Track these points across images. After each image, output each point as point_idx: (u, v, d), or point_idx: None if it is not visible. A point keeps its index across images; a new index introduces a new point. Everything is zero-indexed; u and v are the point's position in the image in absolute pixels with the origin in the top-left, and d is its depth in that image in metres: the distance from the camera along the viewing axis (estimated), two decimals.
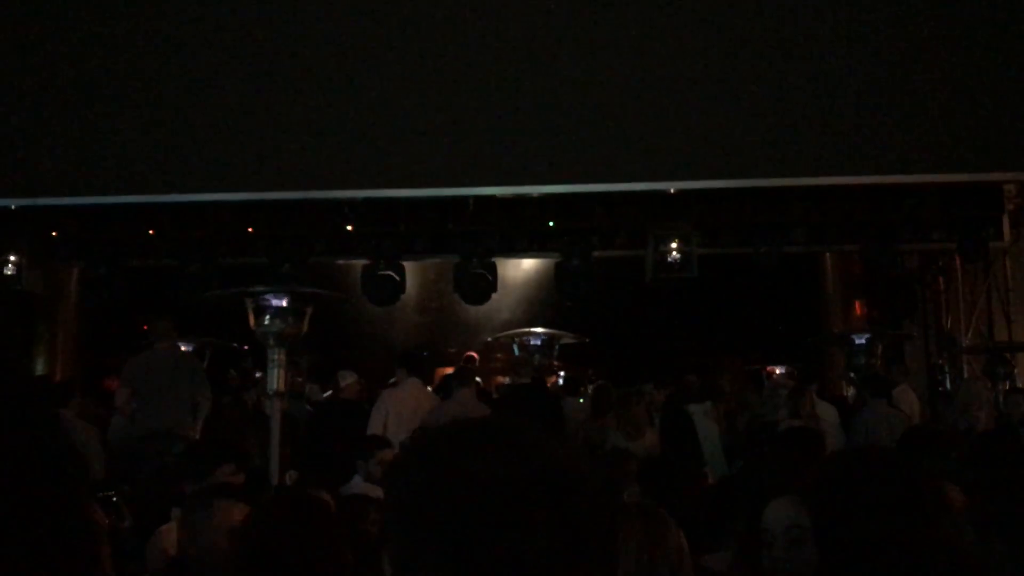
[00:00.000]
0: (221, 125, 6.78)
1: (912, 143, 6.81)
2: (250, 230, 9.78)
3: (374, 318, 12.30)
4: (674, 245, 9.07)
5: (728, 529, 2.82)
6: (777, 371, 10.87)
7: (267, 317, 5.50)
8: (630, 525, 2.17)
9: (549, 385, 9.17)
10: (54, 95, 6.87)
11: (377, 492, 4.38)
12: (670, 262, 9.09)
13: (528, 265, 12.58)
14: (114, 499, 4.01)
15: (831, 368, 11.24)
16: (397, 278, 9.62)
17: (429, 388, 8.24)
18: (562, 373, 10.08)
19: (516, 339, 9.47)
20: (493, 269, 9.57)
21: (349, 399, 7.80)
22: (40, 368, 11.22)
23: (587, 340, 9.59)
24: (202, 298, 7.80)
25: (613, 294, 10.77)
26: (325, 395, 9.21)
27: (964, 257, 9.76)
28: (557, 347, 9.36)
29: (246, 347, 10.49)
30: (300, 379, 9.48)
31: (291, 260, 9.57)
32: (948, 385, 10.83)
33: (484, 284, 9.49)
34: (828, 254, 11.64)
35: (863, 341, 9.02)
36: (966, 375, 10.39)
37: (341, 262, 10.63)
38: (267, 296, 5.49)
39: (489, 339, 11.09)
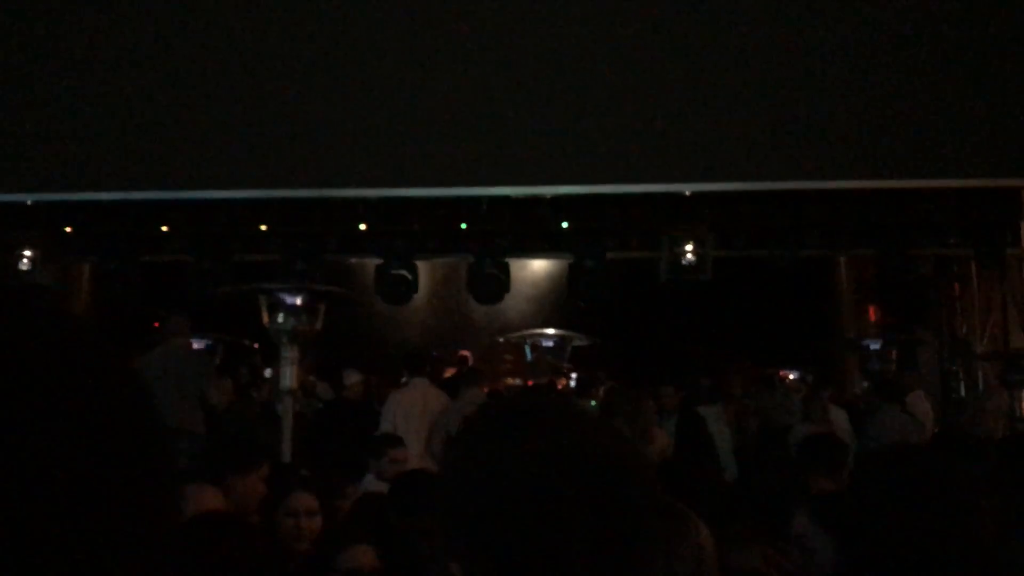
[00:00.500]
0: (235, 122, 6.78)
1: (929, 147, 6.76)
2: (263, 227, 9.79)
3: (384, 317, 12.31)
4: (688, 247, 9.04)
5: (747, 530, 2.80)
6: (790, 376, 10.84)
7: (281, 314, 5.50)
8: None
9: (561, 387, 9.16)
10: (66, 91, 6.88)
11: None
12: (684, 264, 9.05)
13: (540, 266, 12.56)
14: None
15: (844, 373, 11.20)
16: (410, 277, 9.62)
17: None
18: (574, 375, 10.05)
19: (528, 340, 9.47)
20: (506, 269, 9.55)
21: (353, 399, 7.80)
22: None
23: (599, 342, 9.58)
24: (215, 294, 7.82)
25: (626, 296, 10.73)
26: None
27: (981, 263, 9.70)
28: (569, 349, 9.36)
29: (256, 344, 10.51)
30: (312, 377, 9.50)
31: (304, 258, 9.58)
32: (962, 392, 10.76)
33: (497, 284, 9.47)
34: (842, 258, 11.59)
35: (877, 346, 8.99)
36: (981, 382, 10.32)
37: (354, 260, 10.63)
38: (282, 293, 5.49)
39: (500, 340, 11.08)
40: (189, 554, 2.13)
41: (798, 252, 9.46)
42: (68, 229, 9.98)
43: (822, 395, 7.85)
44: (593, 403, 8.53)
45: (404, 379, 7.61)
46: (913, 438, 7.54)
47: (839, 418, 7.63)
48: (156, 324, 10.62)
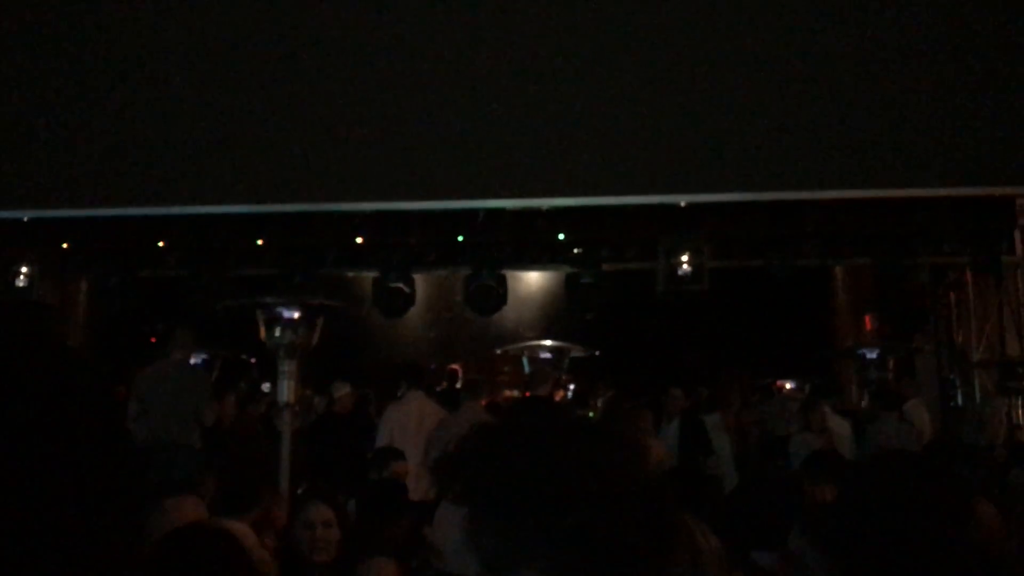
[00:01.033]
0: (231, 137, 6.79)
1: (924, 156, 6.78)
2: (260, 242, 9.80)
3: (382, 330, 12.31)
4: (685, 258, 9.06)
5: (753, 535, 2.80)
6: (787, 385, 10.84)
7: (278, 329, 5.51)
8: None
9: (559, 399, 9.15)
10: (64, 107, 6.89)
11: None
12: (681, 275, 9.07)
13: (538, 278, 12.57)
14: None
15: (842, 382, 11.20)
16: (407, 290, 9.63)
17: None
18: (571, 386, 10.05)
19: (526, 352, 9.47)
20: (503, 281, 9.57)
21: (342, 413, 7.78)
22: None
23: (597, 353, 9.58)
24: (213, 309, 7.82)
25: (624, 307, 10.74)
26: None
27: (976, 271, 9.72)
28: (567, 360, 9.36)
29: (253, 359, 10.50)
30: (309, 391, 9.48)
31: (301, 272, 9.59)
32: (960, 400, 10.77)
33: (494, 296, 9.49)
34: (839, 268, 11.60)
35: (874, 355, 9.00)
36: (978, 390, 10.33)
37: (351, 274, 10.64)
38: (278, 307, 5.50)
39: (498, 352, 11.08)
40: (172, 564, 2.14)
41: (794, 262, 9.48)
42: (65, 245, 9.98)
43: (821, 404, 7.85)
44: (591, 414, 8.53)
45: (400, 392, 7.61)
46: (911, 446, 7.55)
47: (841, 427, 7.63)
48: (153, 339, 10.62)
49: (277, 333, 5.58)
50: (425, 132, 6.81)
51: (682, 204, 8.35)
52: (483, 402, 7.99)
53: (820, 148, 6.80)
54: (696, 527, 2.27)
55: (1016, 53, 6.71)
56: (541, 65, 6.84)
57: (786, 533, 2.40)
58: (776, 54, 6.79)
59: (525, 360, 9.26)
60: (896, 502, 1.67)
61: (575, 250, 9.58)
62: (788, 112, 6.80)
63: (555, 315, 11.85)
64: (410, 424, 6.68)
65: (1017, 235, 9.43)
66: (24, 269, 9.73)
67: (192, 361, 8.20)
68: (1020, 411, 9.36)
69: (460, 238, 9.52)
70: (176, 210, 7.57)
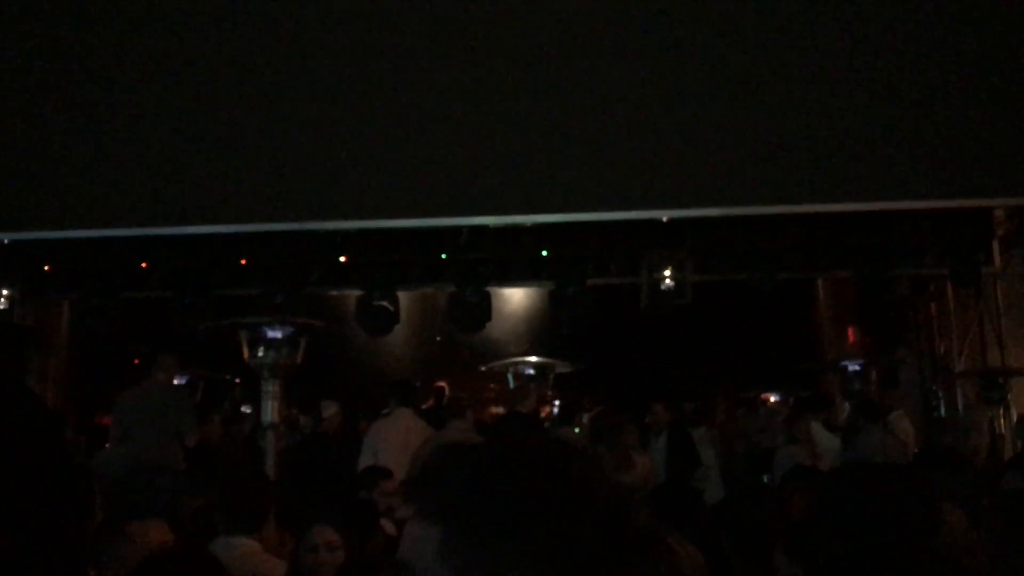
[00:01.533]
0: (213, 157, 6.78)
1: (902, 170, 6.84)
2: (243, 261, 9.77)
3: (367, 348, 12.29)
4: (668, 272, 9.10)
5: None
6: (772, 398, 10.88)
7: (262, 348, 5.49)
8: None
9: (544, 415, 9.15)
10: (44, 128, 6.87)
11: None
12: (664, 289, 9.10)
13: (524, 294, 12.59)
14: None
15: (825, 394, 11.25)
16: (391, 308, 9.62)
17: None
18: (557, 402, 10.06)
19: (510, 368, 9.47)
20: (487, 298, 9.58)
21: (330, 432, 7.75)
22: None
23: (582, 368, 9.60)
24: (196, 329, 7.79)
25: (608, 322, 10.77)
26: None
27: (956, 283, 9.80)
28: (552, 376, 9.37)
29: (237, 380, 10.46)
30: (294, 411, 9.45)
31: (285, 291, 9.55)
32: (943, 410, 10.84)
33: (478, 313, 9.49)
34: (821, 280, 11.67)
35: (857, 367, 9.05)
36: (961, 401, 10.40)
37: (335, 293, 10.62)
38: (262, 327, 5.49)
39: (483, 368, 11.07)
40: None
41: (776, 275, 9.53)
42: (47, 267, 9.92)
43: (806, 416, 7.88)
44: (577, 430, 8.53)
45: (386, 410, 7.59)
46: (896, 457, 7.59)
47: (830, 441, 7.66)
48: (136, 361, 10.56)
49: (260, 353, 5.57)
50: (407, 150, 6.82)
51: (664, 219, 8.39)
52: (470, 419, 7.98)
53: (799, 162, 6.86)
54: (676, 542, 2.27)
55: (993, 67, 6.80)
56: (523, 82, 6.87)
57: (771, 548, 2.41)
58: (755, 70, 6.85)
59: (510, 376, 9.25)
60: (862, 514, 1.68)
61: (559, 266, 9.60)
62: (767, 127, 6.85)
63: (541, 331, 11.87)
64: (395, 441, 6.66)
65: (996, 246, 9.53)
66: (4, 291, 9.67)
67: (176, 382, 8.18)
68: (1002, 421, 9.42)
69: (444, 255, 9.53)
70: (158, 230, 7.54)
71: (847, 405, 9.72)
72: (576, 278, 9.48)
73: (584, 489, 0.99)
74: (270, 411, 5.59)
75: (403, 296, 10.14)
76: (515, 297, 12.77)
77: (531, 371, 8.93)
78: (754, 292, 9.54)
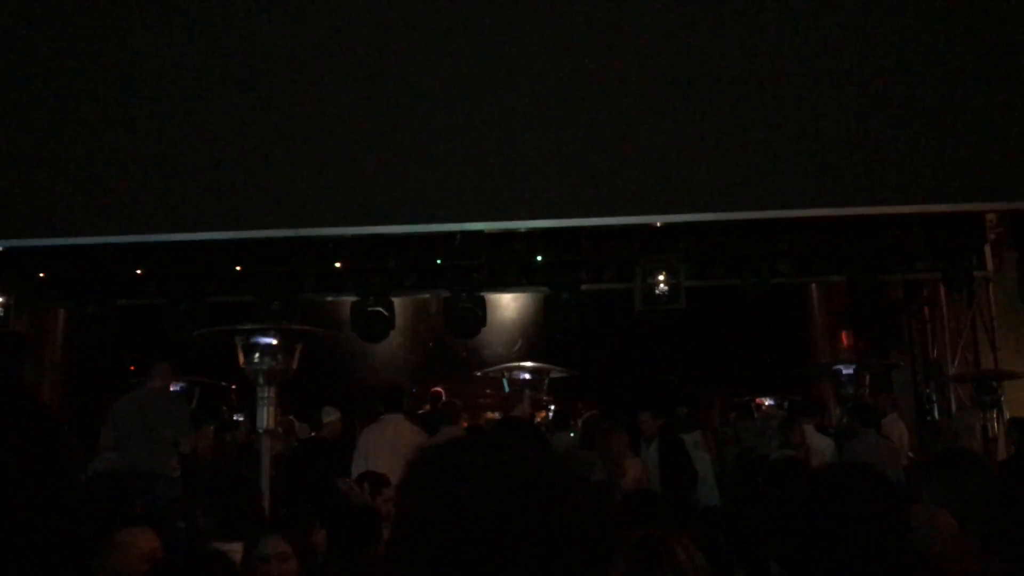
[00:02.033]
0: (208, 164, 6.81)
1: (894, 174, 6.90)
2: (238, 268, 9.79)
3: (363, 354, 12.30)
4: (661, 277, 9.12)
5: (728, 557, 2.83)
6: (766, 402, 10.90)
7: (257, 355, 5.50)
8: (626, 553, 2.19)
9: (540, 420, 9.16)
10: (39, 137, 6.89)
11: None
12: (658, 294, 9.13)
13: (520, 299, 12.61)
14: None
15: (819, 398, 11.28)
16: (386, 314, 9.64)
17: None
18: (552, 407, 10.07)
19: (505, 374, 9.47)
20: (482, 303, 9.60)
21: (329, 438, 7.77)
22: None
23: (576, 373, 9.60)
24: (191, 337, 7.81)
25: (602, 327, 10.80)
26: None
27: (948, 286, 9.85)
28: (547, 381, 9.37)
29: (234, 386, 10.47)
30: (290, 416, 9.46)
31: (280, 298, 9.57)
32: (936, 413, 10.87)
33: (473, 319, 9.51)
34: (814, 285, 11.72)
35: (850, 371, 9.06)
36: (954, 404, 10.44)
37: (330, 299, 10.63)
38: (257, 334, 5.50)
39: (478, 374, 11.08)
40: None
41: (770, 280, 9.57)
42: (42, 275, 9.92)
43: (800, 421, 7.90)
44: (572, 435, 8.55)
45: (379, 415, 7.62)
46: (890, 461, 7.61)
47: (823, 445, 7.68)
48: (132, 368, 10.55)
49: (256, 359, 5.57)
50: (402, 157, 6.86)
51: (658, 224, 8.43)
52: (464, 424, 8.01)
53: (792, 168, 6.90)
54: (679, 544, 2.29)
55: (984, 74, 6.86)
56: (517, 91, 6.92)
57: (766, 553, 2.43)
58: (748, 77, 6.90)
59: (505, 381, 9.26)
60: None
61: (553, 271, 9.62)
62: (760, 133, 6.90)
63: (536, 336, 11.89)
64: (385, 446, 6.69)
65: (988, 250, 9.58)
66: (0, 299, 9.67)
67: (172, 389, 8.18)
68: (996, 424, 9.45)
69: (438, 261, 9.56)
70: (153, 237, 7.56)
71: (838, 409, 9.74)
72: (570, 283, 9.51)
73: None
74: (266, 417, 5.58)
75: (398, 302, 10.16)
76: (511, 302, 12.80)
77: (526, 376, 8.93)
78: (747, 297, 9.58)
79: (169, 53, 6.84)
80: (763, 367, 11.41)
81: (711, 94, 6.84)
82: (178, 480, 6.83)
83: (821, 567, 1.66)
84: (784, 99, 6.82)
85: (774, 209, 7.24)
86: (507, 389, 8.96)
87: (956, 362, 10.49)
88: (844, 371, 9.01)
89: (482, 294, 9.62)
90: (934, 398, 11.04)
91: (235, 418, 10.19)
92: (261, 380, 5.53)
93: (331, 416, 7.85)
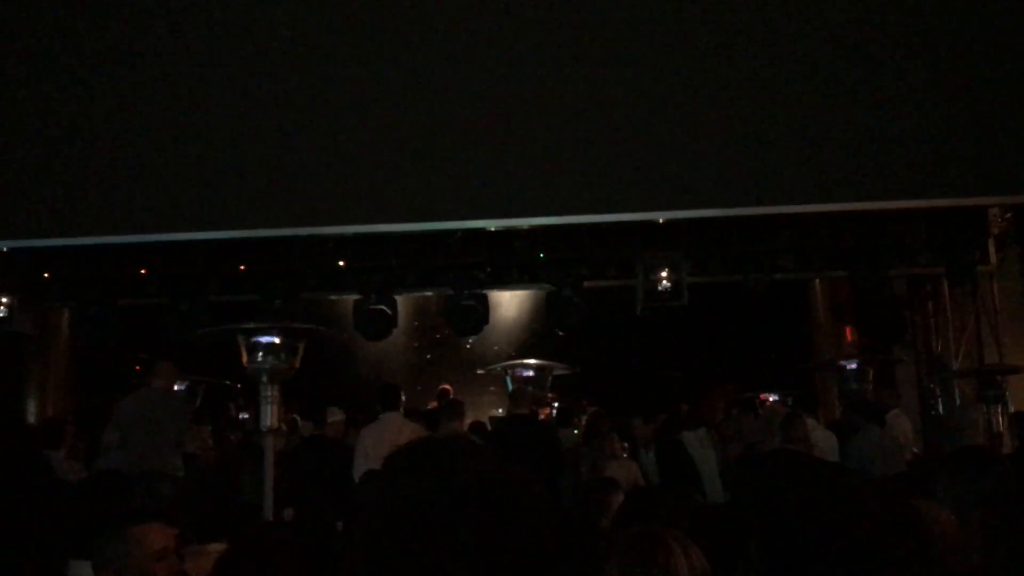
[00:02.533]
0: (210, 163, 6.80)
1: (896, 169, 6.87)
2: (241, 267, 9.80)
3: (368, 352, 12.31)
4: (664, 274, 9.12)
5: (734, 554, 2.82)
6: (770, 398, 10.89)
7: (259, 354, 5.50)
8: (620, 550, 2.19)
9: (543, 417, 9.16)
10: (41, 136, 6.89)
11: None
12: (660, 291, 9.12)
13: (524, 296, 12.60)
14: None
15: (824, 394, 11.26)
16: (389, 312, 9.64)
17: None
18: (555, 404, 10.06)
19: (508, 371, 9.48)
20: (484, 301, 9.60)
21: (331, 437, 7.80)
22: (32, 410, 11.18)
23: (578, 370, 9.60)
24: (194, 336, 7.83)
25: (604, 324, 10.79)
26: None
27: (951, 281, 9.83)
28: (550, 378, 9.38)
29: (239, 385, 10.48)
30: (294, 415, 9.47)
31: (282, 296, 9.59)
32: (940, 409, 10.85)
33: (475, 316, 9.51)
34: (818, 281, 11.70)
35: (854, 367, 9.06)
36: (958, 399, 10.42)
37: (333, 297, 10.64)
38: (259, 333, 5.50)
39: (481, 371, 11.09)
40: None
41: (773, 276, 9.56)
42: (45, 275, 9.95)
43: (803, 417, 7.90)
44: (575, 431, 8.55)
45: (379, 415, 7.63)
46: (894, 456, 7.61)
47: (825, 440, 7.67)
48: (137, 368, 10.56)
49: (259, 358, 5.57)
50: (403, 154, 6.85)
51: (660, 221, 8.42)
52: (465, 422, 8.01)
53: (794, 163, 6.89)
54: (678, 543, 2.28)
55: (986, 66, 6.84)
56: (517, 85, 6.91)
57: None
58: (748, 70, 6.88)
59: (508, 379, 9.26)
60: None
61: (555, 269, 9.62)
62: (762, 127, 6.89)
63: (541, 333, 11.89)
64: (385, 445, 6.70)
65: (991, 245, 9.56)
66: (3, 299, 9.69)
67: (176, 388, 8.20)
68: (1000, 419, 9.43)
69: (440, 259, 9.56)
70: (156, 237, 7.57)
71: (839, 404, 9.74)
72: (572, 280, 9.51)
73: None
74: (269, 416, 5.59)
75: (401, 300, 10.17)
76: (516, 299, 12.80)
77: (529, 373, 8.94)
78: (750, 293, 9.57)
79: (170, 51, 6.84)
80: (766, 363, 11.39)
81: (712, 90, 6.82)
82: (181, 480, 6.84)
83: (793, 551, 1.67)
84: (785, 94, 6.81)
85: (776, 205, 7.21)
86: (510, 387, 8.97)
87: (960, 357, 10.48)
88: (847, 367, 9.02)
89: (484, 291, 9.62)
90: (938, 393, 11.02)
91: (241, 416, 10.21)
92: (264, 379, 5.53)
93: (335, 416, 7.87)
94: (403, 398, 7.89)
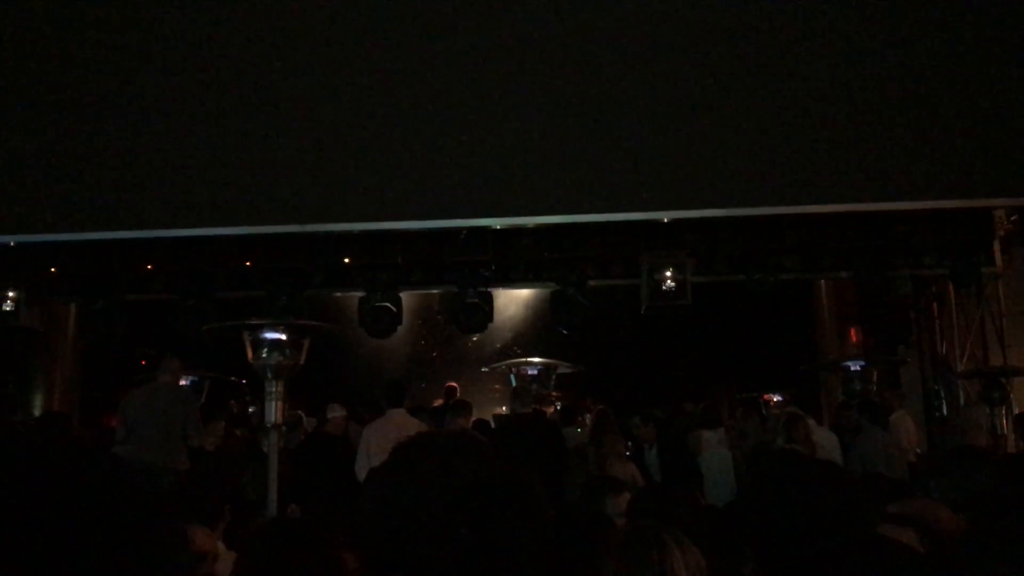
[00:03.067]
0: (217, 161, 6.85)
1: (902, 170, 6.89)
2: (247, 263, 9.83)
3: (373, 349, 12.34)
4: (669, 273, 9.12)
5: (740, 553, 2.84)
6: (775, 399, 10.90)
7: (265, 350, 5.53)
8: (620, 548, 2.20)
9: (549, 414, 9.19)
10: (51, 131, 6.94)
11: None
12: (665, 290, 9.12)
13: (530, 294, 12.63)
14: None
15: (828, 395, 11.27)
16: (394, 309, 9.66)
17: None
18: (559, 403, 10.09)
19: (513, 369, 9.51)
20: (489, 299, 9.62)
21: (333, 433, 7.83)
22: (37, 404, 11.23)
23: (583, 369, 9.62)
24: (200, 332, 7.86)
25: (609, 323, 10.81)
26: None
27: (956, 283, 9.82)
28: (554, 376, 9.41)
29: (244, 381, 10.52)
30: (299, 411, 9.51)
31: (288, 293, 9.61)
32: (944, 410, 10.84)
33: (480, 314, 9.53)
34: (823, 281, 11.70)
35: (858, 367, 9.06)
36: (962, 400, 10.41)
37: (338, 294, 10.67)
38: (265, 329, 5.53)
39: (485, 369, 11.12)
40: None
41: (778, 276, 9.56)
42: (52, 270, 9.99)
43: (805, 417, 7.90)
44: (579, 430, 8.56)
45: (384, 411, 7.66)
46: (895, 458, 7.62)
47: (827, 441, 7.68)
48: (144, 363, 10.61)
49: (264, 354, 5.60)
50: (410, 154, 6.88)
51: (665, 220, 8.43)
52: (470, 419, 8.04)
53: (800, 164, 6.90)
54: (675, 541, 2.30)
55: (992, 71, 6.84)
56: (525, 87, 6.93)
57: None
58: (756, 73, 6.90)
59: (512, 377, 9.29)
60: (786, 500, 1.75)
61: (560, 267, 9.63)
62: (768, 129, 6.90)
63: (546, 332, 11.91)
64: (388, 441, 6.72)
65: (996, 246, 9.54)
66: (10, 294, 9.73)
67: (182, 383, 8.24)
68: (1005, 421, 9.41)
69: (445, 257, 9.58)
70: (162, 233, 7.61)
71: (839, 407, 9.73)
72: (577, 279, 9.52)
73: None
74: (274, 411, 5.62)
75: (406, 297, 10.19)
76: (522, 297, 12.82)
77: (533, 371, 8.96)
78: (755, 293, 9.57)
79: (178, 51, 6.88)
80: (770, 363, 11.39)
81: (719, 91, 6.84)
82: (186, 473, 6.87)
83: (799, 549, 1.69)
84: (792, 95, 6.82)
85: (781, 205, 7.24)
86: (514, 384, 9.00)
87: (965, 359, 10.46)
88: (852, 367, 9.01)
89: (489, 289, 9.64)
90: (942, 395, 11.01)
91: (250, 410, 10.25)
92: (269, 375, 5.56)
93: (336, 413, 7.92)
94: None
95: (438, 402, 10.34)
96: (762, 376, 11.22)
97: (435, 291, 10.81)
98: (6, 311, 9.69)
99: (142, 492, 0.81)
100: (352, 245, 9.52)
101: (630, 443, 8.17)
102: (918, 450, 9.28)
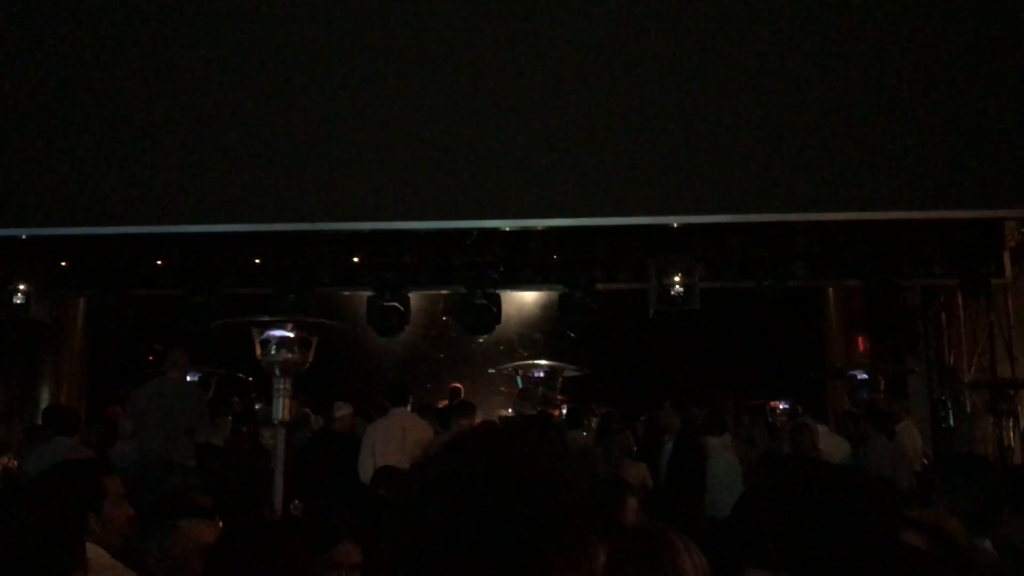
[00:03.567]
0: (229, 157, 6.88)
1: (913, 179, 6.89)
2: (257, 261, 9.86)
3: (381, 349, 12.37)
4: (677, 278, 9.11)
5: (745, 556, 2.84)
6: (780, 406, 10.88)
7: (273, 347, 5.54)
8: (627, 548, 2.21)
9: (555, 417, 9.19)
10: (63, 127, 6.98)
11: None
12: (673, 295, 9.12)
13: (538, 296, 12.63)
14: None
15: (834, 402, 11.24)
16: (402, 309, 9.68)
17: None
18: (565, 406, 10.08)
19: (519, 372, 9.51)
20: (497, 300, 9.63)
21: (340, 431, 7.86)
22: (45, 397, 11.29)
23: (590, 372, 9.62)
24: (209, 328, 7.89)
25: (616, 326, 10.80)
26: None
27: (965, 293, 9.79)
28: (560, 380, 9.40)
29: (251, 378, 10.55)
30: (307, 409, 9.53)
31: (297, 291, 9.64)
32: (951, 420, 10.81)
33: (488, 315, 9.54)
34: (831, 289, 11.68)
35: (865, 376, 9.04)
36: (969, 411, 10.38)
37: (347, 293, 10.70)
38: (273, 326, 5.54)
39: (492, 371, 11.12)
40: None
41: (786, 283, 9.55)
42: (63, 263, 10.03)
43: (812, 424, 7.89)
44: (584, 433, 8.57)
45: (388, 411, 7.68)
46: (901, 467, 7.60)
47: (837, 448, 7.65)
48: (151, 358, 10.65)
49: (272, 351, 5.61)
50: (420, 154, 6.90)
51: (674, 225, 8.43)
52: (476, 420, 8.04)
53: (810, 170, 6.90)
54: (681, 543, 2.31)
55: (1004, 82, 6.83)
56: (534, 90, 6.95)
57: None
58: (766, 80, 6.90)
59: (519, 379, 9.29)
60: (821, 506, 1.75)
61: (569, 270, 9.63)
62: (778, 136, 6.90)
63: (553, 334, 11.91)
64: (392, 441, 6.76)
65: (1006, 257, 9.51)
66: (21, 287, 9.77)
67: (189, 379, 8.27)
68: (1012, 433, 9.38)
69: (454, 258, 9.59)
70: (173, 229, 7.65)
71: (845, 416, 9.71)
72: (585, 282, 9.52)
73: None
74: (281, 409, 5.63)
75: (415, 297, 10.21)
76: (530, 300, 12.83)
77: (540, 374, 8.96)
78: (763, 299, 9.56)
79: (190, 49, 6.91)
80: (777, 370, 11.37)
81: (729, 97, 6.85)
82: (193, 469, 6.90)
83: (813, 552, 1.70)
84: (803, 103, 6.83)
85: (791, 212, 7.25)
86: (520, 386, 9.00)
87: (972, 369, 10.43)
88: (859, 376, 8.99)
89: (497, 291, 9.65)
90: (949, 405, 10.97)
91: (256, 407, 10.28)
92: (277, 372, 5.57)
93: (343, 411, 7.93)
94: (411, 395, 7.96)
95: (443, 403, 10.35)
96: (768, 383, 11.20)
97: (444, 292, 10.83)
98: (17, 304, 9.73)
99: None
100: (361, 244, 9.54)
101: (634, 448, 8.17)
102: (924, 460, 9.25)
